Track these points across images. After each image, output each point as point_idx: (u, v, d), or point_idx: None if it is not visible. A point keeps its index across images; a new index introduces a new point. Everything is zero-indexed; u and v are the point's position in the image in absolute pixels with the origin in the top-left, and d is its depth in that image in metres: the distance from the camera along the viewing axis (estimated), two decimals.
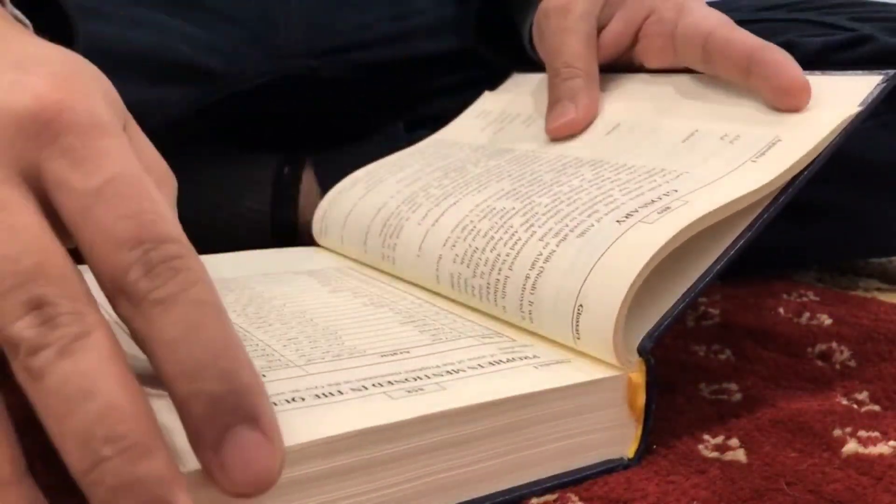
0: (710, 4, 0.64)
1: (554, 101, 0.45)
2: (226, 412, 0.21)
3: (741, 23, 0.41)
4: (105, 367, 0.21)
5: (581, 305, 0.31)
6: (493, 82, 0.56)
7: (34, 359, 0.21)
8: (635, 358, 0.31)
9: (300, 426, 0.25)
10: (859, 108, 0.35)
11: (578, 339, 0.31)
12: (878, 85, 0.36)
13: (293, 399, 0.27)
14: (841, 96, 0.37)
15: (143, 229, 0.22)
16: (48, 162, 0.23)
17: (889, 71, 0.37)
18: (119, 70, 0.44)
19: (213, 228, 0.55)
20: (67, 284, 0.22)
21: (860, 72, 0.38)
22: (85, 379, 0.21)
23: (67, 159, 0.23)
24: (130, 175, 0.23)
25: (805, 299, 0.54)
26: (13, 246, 0.22)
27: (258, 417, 0.22)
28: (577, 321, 0.31)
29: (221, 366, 0.22)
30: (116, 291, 0.22)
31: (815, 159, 0.35)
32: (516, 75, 0.54)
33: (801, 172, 0.35)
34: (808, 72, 0.38)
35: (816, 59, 0.55)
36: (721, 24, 0.41)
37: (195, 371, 0.21)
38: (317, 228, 0.51)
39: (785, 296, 0.54)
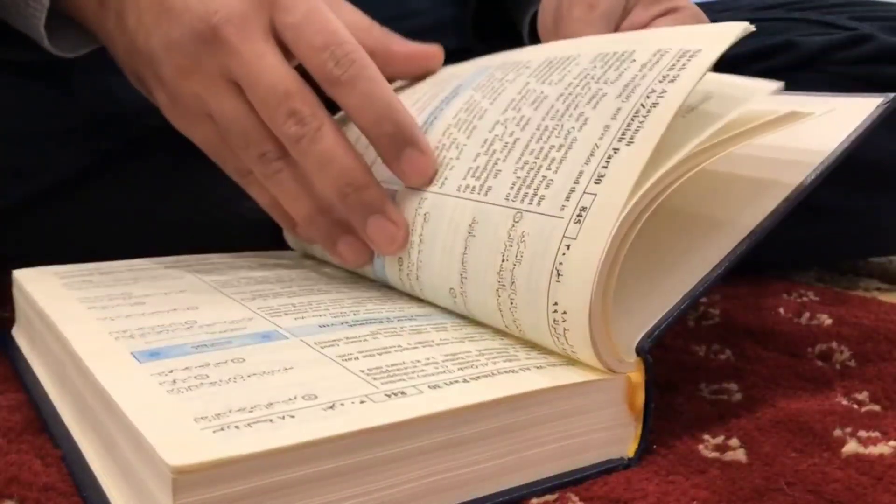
0: (711, 4, 0.64)
1: None
2: (398, 141, 0.37)
3: None
4: (336, 145, 0.37)
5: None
6: None
7: (298, 145, 0.37)
8: (633, 358, 0.31)
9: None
10: (853, 136, 0.34)
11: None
12: (877, 107, 0.35)
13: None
14: (838, 119, 0.36)
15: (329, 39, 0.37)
16: (277, 18, 0.37)
17: (889, 94, 0.36)
18: (121, 69, 0.44)
19: (213, 228, 0.55)
20: (305, 97, 0.37)
21: (859, 95, 0.37)
22: (326, 153, 0.37)
23: (287, 15, 0.37)
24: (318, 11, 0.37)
25: (805, 299, 0.54)
26: (271, 78, 0.36)
27: (417, 142, 0.37)
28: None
29: (390, 116, 0.37)
30: (324, 81, 0.37)
31: (815, 169, 0.34)
32: None
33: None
34: (805, 93, 0.38)
35: (817, 58, 0.55)
36: None
37: (376, 122, 0.37)
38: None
39: (785, 296, 0.54)
